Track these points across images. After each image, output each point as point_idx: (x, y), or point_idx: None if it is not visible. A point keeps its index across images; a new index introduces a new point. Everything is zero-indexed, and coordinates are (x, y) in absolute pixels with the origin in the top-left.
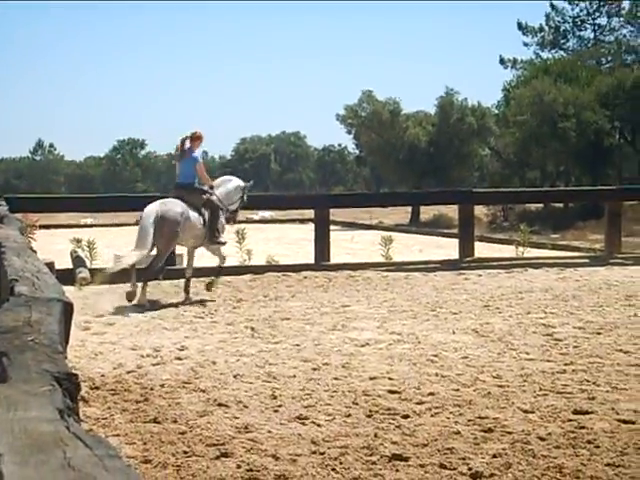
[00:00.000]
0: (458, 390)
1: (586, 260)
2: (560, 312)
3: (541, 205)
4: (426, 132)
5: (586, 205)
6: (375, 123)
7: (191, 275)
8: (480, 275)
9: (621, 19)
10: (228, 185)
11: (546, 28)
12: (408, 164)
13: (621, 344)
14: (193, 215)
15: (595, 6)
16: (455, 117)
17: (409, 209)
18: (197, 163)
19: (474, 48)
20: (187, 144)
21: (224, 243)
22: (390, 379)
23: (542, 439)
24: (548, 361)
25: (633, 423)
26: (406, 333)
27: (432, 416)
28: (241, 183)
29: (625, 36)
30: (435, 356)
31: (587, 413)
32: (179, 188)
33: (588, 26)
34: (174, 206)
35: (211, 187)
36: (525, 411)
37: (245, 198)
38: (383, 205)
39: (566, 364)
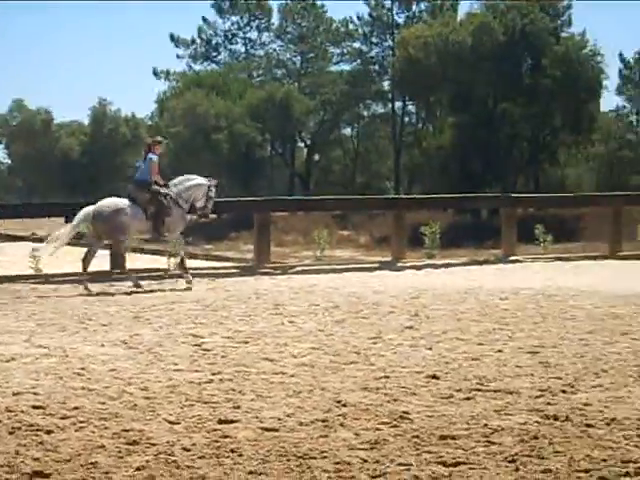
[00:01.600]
0: (104, 403)
1: (237, 270)
2: (209, 322)
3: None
4: (80, 142)
5: (239, 216)
6: (26, 132)
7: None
8: (130, 286)
9: (271, 34)
10: (186, 183)
11: (198, 41)
12: (60, 174)
13: (267, 352)
14: (134, 210)
15: (246, 20)
16: (108, 128)
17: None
18: (151, 162)
19: (128, 58)
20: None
21: (165, 237)
22: (35, 394)
23: (187, 450)
24: (196, 371)
25: (276, 430)
26: (53, 347)
27: (76, 430)
28: (203, 181)
29: (275, 50)
30: (82, 369)
31: (232, 422)
32: (131, 185)
33: (239, 40)
34: (107, 206)
35: (166, 185)
36: (171, 422)
37: (212, 195)
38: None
39: (213, 374)
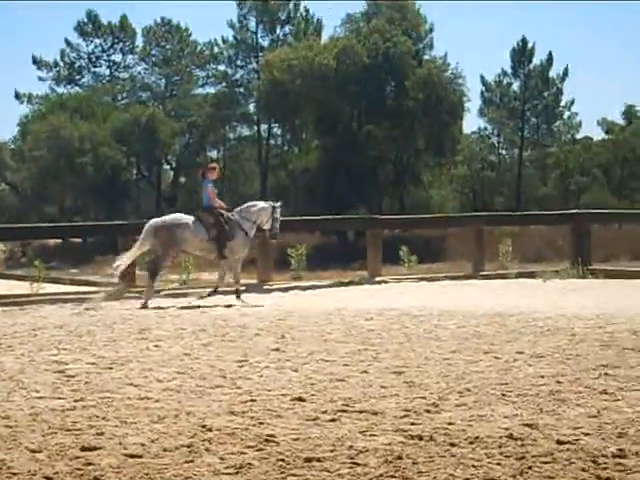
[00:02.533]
0: None
1: (102, 294)
2: (73, 348)
3: (60, 240)
4: None
5: (105, 239)
6: None
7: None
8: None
9: (135, 56)
10: (251, 209)
11: (61, 63)
12: None
13: (132, 378)
14: (197, 228)
15: (109, 43)
16: None
17: None
18: (207, 188)
19: None
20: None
21: (225, 258)
22: None
23: (49, 478)
24: (59, 398)
25: (140, 457)
26: None
27: None
28: (266, 204)
29: (140, 73)
30: None
31: (95, 449)
32: (199, 210)
33: (103, 62)
34: (170, 218)
35: (229, 210)
36: (33, 451)
37: (277, 216)
38: None
39: (77, 400)
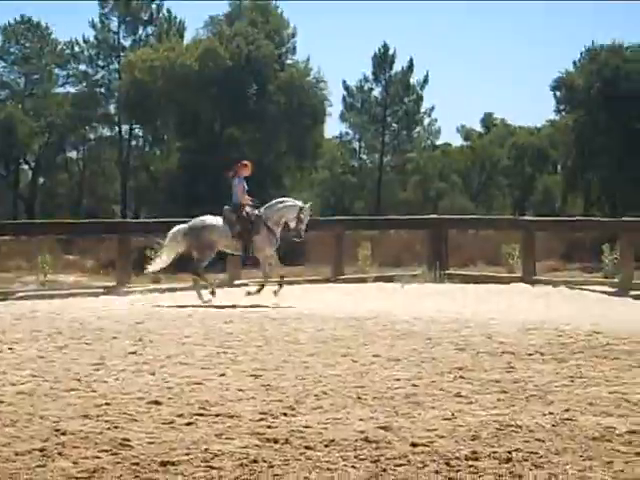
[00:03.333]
0: None
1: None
2: None
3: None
4: None
5: None
6: None
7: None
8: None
9: None
10: (278, 205)
11: None
12: None
13: None
14: (222, 228)
15: None
16: None
17: None
18: (235, 186)
19: None
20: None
21: (249, 254)
22: None
23: None
24: None
25: None
26: None
27: None
28: (295, 203)
29: None
30: None
31: None
32: (226, 206)
33: None
34: (197, 221)
35: (256, 207)
36: None
37: (303, 217)
38: None
39: None
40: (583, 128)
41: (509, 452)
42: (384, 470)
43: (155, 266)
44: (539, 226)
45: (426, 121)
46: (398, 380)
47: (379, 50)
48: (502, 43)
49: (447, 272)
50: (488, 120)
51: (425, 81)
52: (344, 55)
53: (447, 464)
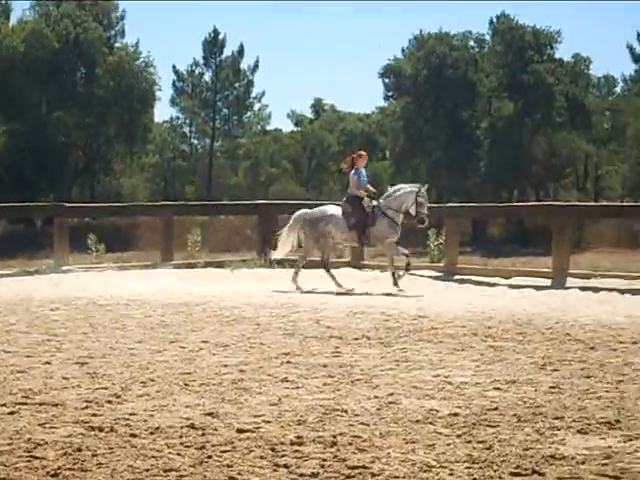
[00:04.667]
0: None
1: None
2: None
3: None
4: None
5: None
6: None
7: (392, 270)
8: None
9: None
10: (395, 194)
11: None
12: None
13: None
14: (339, 220)
15: None
16: None
17: None
18: (352, 177)
19: None
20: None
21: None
22: None
23: None
24: None
25: None
26: None
27: None
28: (412, 188)
29: None
30: None
31: None
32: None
33: None
34: (316, 211)
35: (373, 197)
36: None
37: (421, 200)
38: None
39: None
40: (410, 115)
41: (334, 436)
42: (209, 457)
43: (279, 252)
44: None
45: (256, 106)
46: (226, 366)
47: (209, 35)
48: (332, 29)
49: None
50: (318, 106)
51: (256, 66)
52: (174, 39)
53: (272, 449)
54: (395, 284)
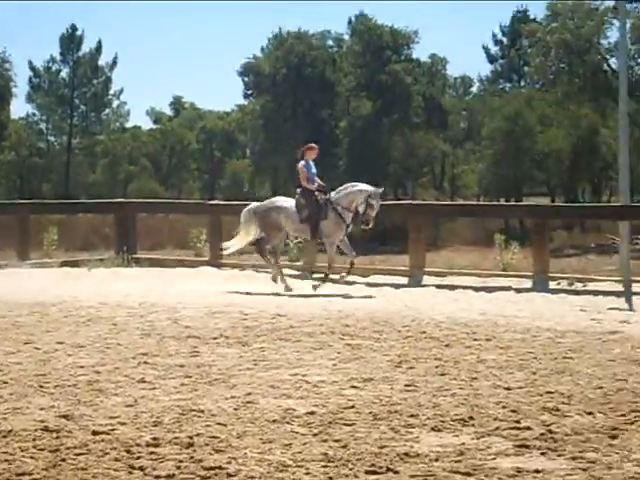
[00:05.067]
0: None
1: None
2: None
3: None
4: None
5: None
6: None
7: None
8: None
9: None
10: (348, 190)
11: None
12: None
13: None
14: (291, 212)
15: None
16: None
17: None
18: (301, 169)
19: None
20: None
21: (318, 239)
22: None
23: None
24: None
25: None
26: None
27: None
28: (365, 188)
29: None
30: None
31: None
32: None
33: None
34: (267, 202)
35: (324, 191)
36: None
37: (373, 202)
38: None
39: None
40: (270, 113)
41: (190, 437)
42: (63, 460)
43: (232, 247)
44: (226, 210)
45: (115, 103)
46: (82, 367)
47: (67, 31)
48: (192, 27)
49: (135, 256)
50: (178, 103)
51: (114, 63)
52: (31, 35)
53: (128, 451)
54: (324, 281)
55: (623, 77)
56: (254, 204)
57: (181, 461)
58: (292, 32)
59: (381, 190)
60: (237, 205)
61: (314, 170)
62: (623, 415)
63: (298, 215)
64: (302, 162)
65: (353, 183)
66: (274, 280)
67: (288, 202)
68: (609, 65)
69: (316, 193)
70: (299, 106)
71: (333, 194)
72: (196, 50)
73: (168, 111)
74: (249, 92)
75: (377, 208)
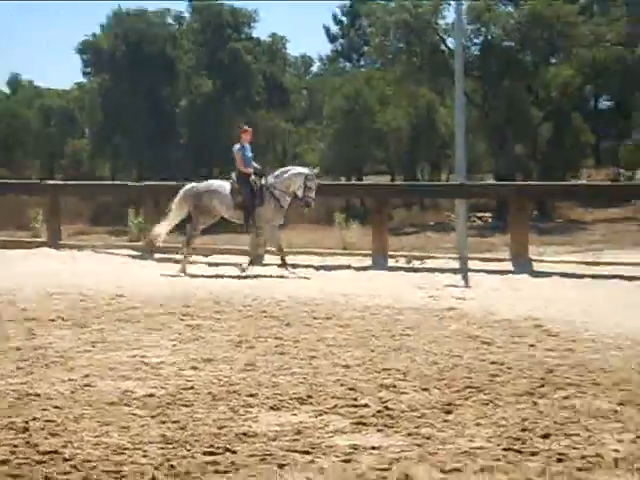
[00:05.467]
0: None
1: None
2: None
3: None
4: None
5: None
6: None
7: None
8: None
9: None
10: (284, 175)
11: None
12: None
13: None
14: (225, 196)
15: None
16: None
17: None
18: (237, 152)
19: None
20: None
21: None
22: None
23: None
24: None
25: None
26: None
27: None
28: (301, 170)
29: None
30: None
31: None
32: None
33: None
34: (202, 185)
35: (262, 175)
36: None
37: (310, 184)
38: None
39: None
40: (109, 92)
41: (26, 422)
42: None
43: (159, 228)
44: (65, 190)
45: None
46: None
47: None
48: (30, 4)
49: None
50: (15, 81)
51: None
52: None
53: None
54: (282, 266)
55: (459, 57)
56: (190, 184)
57: (16, 446)
58: (132, 10)
59: (316, 171)
60: (75, 185)
61: (250, 153)
62: (458, 391)
63: (232, 200)
64: (237, 145)
65: (289, 167)
66: (182, 271)
67: (224, 186)
68: (446, 45)
69: (252, 177)
70: (139, 84)
71: (270, 178)
72: (35, 28)
73: (5, 89)
74: (88, 70)
75: (314, 189)
